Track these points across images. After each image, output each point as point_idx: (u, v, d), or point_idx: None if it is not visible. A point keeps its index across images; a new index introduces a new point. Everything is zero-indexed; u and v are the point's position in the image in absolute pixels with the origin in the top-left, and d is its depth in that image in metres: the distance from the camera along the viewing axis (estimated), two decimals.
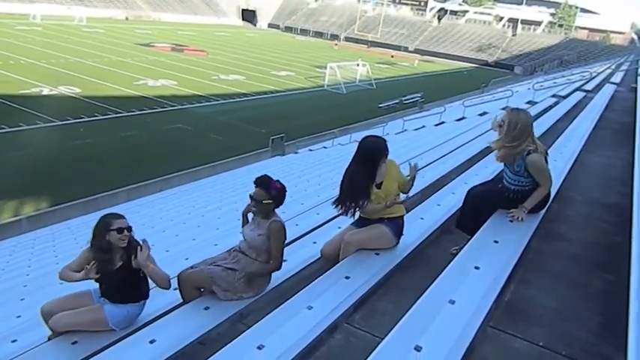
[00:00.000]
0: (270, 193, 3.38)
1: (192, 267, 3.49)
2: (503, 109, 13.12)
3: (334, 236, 3.76)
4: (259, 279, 3.48)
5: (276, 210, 3.51)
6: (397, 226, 3.59)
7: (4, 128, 18.49)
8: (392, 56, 62.26)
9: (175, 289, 3.49)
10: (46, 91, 24.89)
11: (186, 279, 3.42)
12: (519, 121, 3.34)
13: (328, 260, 3.62)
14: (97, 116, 21.71)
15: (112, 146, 18.47)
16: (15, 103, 21.98)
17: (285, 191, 3.47)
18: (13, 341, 3.73)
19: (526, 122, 3.36)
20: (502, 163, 3.61)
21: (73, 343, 3.19)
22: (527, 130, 3.35)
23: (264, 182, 3.41)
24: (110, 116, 22.06)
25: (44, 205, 13.24)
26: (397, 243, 3.63)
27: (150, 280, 3.39)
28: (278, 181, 3.45)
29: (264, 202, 3.39)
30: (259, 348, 2.51)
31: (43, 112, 20.91)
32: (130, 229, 3.26)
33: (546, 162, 3.49)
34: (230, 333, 2.96)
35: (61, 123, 20.20)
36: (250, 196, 3.43)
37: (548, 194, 3.63)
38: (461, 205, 3.78)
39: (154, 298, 3.52)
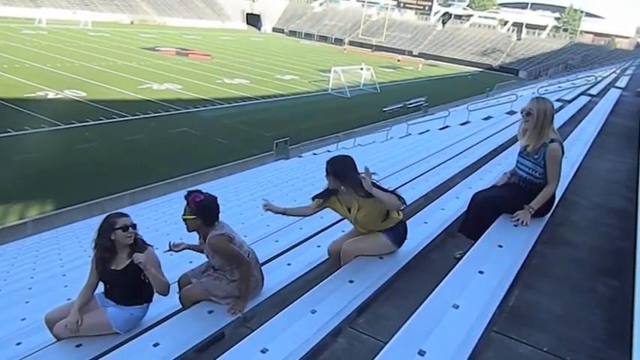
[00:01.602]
0: (191, 207, 3.25)
1: (188, 277, 3.49)
2: (508, 113, 13.10)
3: (341, 236, 3.78)
4: (249, 280, 3.38)
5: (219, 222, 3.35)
6: (397, 234, 3.54)
7: (9, 132, 18.59)
8: (398, 60, 62.33)
9: (178, 292, 3.51)
10: (51, 95, 25.03)
11: (184, 296, 3.44)
12: (547, 109, 3.46)
13: (335, 258, 3.65)
14: (102, 120, 21.81)
15: (117, 150, 18.54)
16: (21, 106, 22.12)
17: (209, 204, 3.27)
18: (18, 344, 3.74)
19: (551, 110, 3.50)
20: (515, 156, 3.68)
21: (77, 346, 3.20)
22: (551, 117, 3.48)
23: (186, 197, 3.27)
24: (115, 120, 22.15)
25: (49, 209, 13.29)
26: (398, 247, 3.60)
27: None
28: (201, 192, 3.30)
29: (185, 218, 3.29)
30: (263, 352, 2.51)
31: (49, 115, 21.02)
32: (134, 226, 3.29)
33: (562, 154, 3.53)
34: (234, 336, 2.96)
35: (66, 126, 20.31)
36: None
37: (553, 197, 3.62)
38: (465, 209, 3.77)
39: (158, 301, 3.53)
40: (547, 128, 3.46)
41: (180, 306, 3.49)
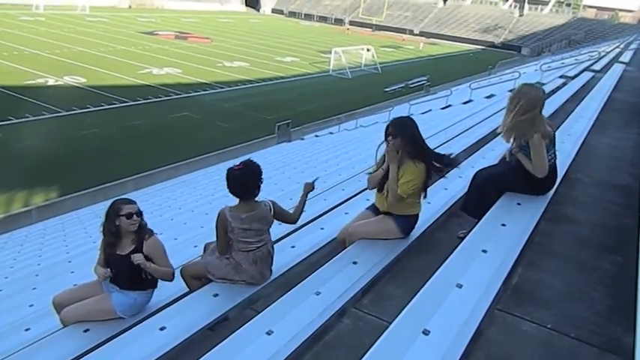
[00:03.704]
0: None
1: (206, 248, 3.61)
2: (511, 91, 12.99)
3: (350, 221, 3.76)
4: (242, 266, 3.37)
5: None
6: (407, 222, 3.52)
7: (10, 119, 18.56)
8: (403, 40, 61.62)
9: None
10: (51, 82, 24.92)
11: (184, 272, 3.51)
12: (527, 96, 3.28)
13: (342, 245, 3.64)
14: (102, 106, 21.74)
15: (119, 136, 18.52)
16: (20, 94, 22.04)
17: (229, 177, 3.25)
18: (27, 330, 3.79)
19: (534, 98, 3.28)
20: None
21: (85, 331, 3.24)
22: (534, 106, 3.27)
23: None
24: (116, 106, 22.08)
25: (53, 196, 13.34)
26: (405, 236, 3.56)
27: None
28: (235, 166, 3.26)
29: None
30: (268, 333, 2.53)
31: (49, 102, 20.95)
32: (139, 213, 3.31)
33: (553, 144, 3.44)
34: (239, 319, 2.99)
35: (67, 113, 20.25)
36: None
37: (555, 175, 3.59)
38: (467, 188, 3.76)
39: (164, 285, 3.56)
40: (521, 116, 3.26)
41: (185, 291, 3.52)
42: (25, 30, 39.58)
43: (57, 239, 8.63)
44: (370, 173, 3.63)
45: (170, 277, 3.38)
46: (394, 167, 3.35)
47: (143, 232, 3.34)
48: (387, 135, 3.36)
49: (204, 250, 3.74)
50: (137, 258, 3.23)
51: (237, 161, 3.33)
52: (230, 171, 3.24)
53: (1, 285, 6.14)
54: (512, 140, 3.50)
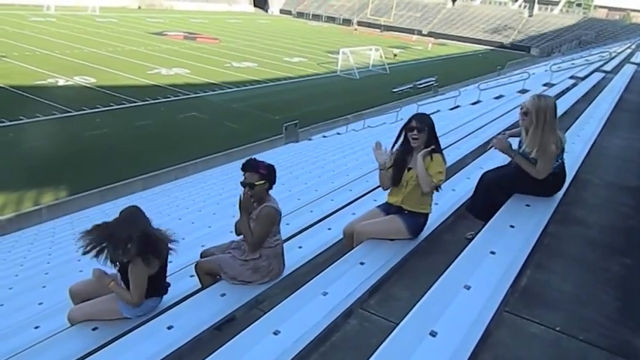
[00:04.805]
0: (260, 173, 3.33)
1: (210, 251, 3.63)
2: (520, 91, 12.91)
3: (356, 218, 3.77)
4: (264, 266, 3.42)
5: (273, 192, 3.49)
6: (416, 223, 3.51)
7: (21, 119, 18.74)
8: (413, 40, 61.48)
9: (192, 275, 3.57)
10: (61, 82, 25.12)
11: (198, 267, 3.54)
12: (547, 108, 3.26)
13: (349, 240, 3.64)
14: (112, 106, 21.88)
15: (128, 136, 18.63)
16: (31, 94, 22.24)
17: (274, 169, 3.42)
18: (36, 328, 3.82)
19: (552, 109, 3.28)
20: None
21: (94, 329, 3.26)
22: (552, 118, 3.27)
23: (252, 165, 3.36)
24: (125, 106, 22.21)
25: (63, 195, 13.44)
26: (413, 238, 3.54)
27: (167, 270, 3.48)
28: (263, 162, 3.42)
29: (256, 184, 3.33)
30: (275, 333, 2.54)
31: (59, 102, 21.13)
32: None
33: (562, 150, 3.41)
34: (246, 319, 3.00)
35: (77, 113, 20.40)
36: (242, 184, 3.36)
37: (564, 176, 3.56)
38: (474, 189, 3.74)
39: (171, 285, 3.57)
40: (547, 130, 3.23)
41: (192, 290, 3.54)
42: (36, 30, 39.96)
43: (66, 238, 8.68)
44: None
45: (130, 304, 3.31)
46: (422, 159, 3.38)
47: (129, 256, 3.20)
48: (411, 129, 3.45)
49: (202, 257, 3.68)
50: (96, 273, 3.36)
51: (244, 162, 3.36)
52: (268, 165, 3.38)
53: (12, 283, 6.19)
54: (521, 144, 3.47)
